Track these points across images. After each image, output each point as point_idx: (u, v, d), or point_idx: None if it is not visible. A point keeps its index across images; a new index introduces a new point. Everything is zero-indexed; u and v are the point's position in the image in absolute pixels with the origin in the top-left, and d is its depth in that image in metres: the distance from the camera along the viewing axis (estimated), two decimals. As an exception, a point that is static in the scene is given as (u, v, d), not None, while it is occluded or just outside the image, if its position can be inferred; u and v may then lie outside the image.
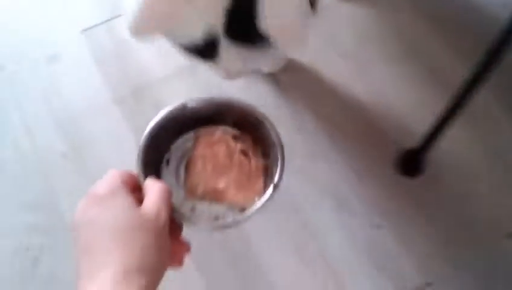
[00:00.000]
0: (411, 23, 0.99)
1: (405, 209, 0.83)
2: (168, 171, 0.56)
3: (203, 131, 0.57)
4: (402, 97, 0.92)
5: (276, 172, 0.53)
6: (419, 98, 0.92)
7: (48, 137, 0.89)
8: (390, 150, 0.86)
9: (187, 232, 0.49)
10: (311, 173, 0.85)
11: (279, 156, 0.53)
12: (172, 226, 0.44)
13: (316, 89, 0.93)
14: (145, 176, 0.48)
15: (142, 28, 0.42)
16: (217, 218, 0.53)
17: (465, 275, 0.78)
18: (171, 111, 0.54)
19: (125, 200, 0.41)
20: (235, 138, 0.56)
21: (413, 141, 0.83)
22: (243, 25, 0.38)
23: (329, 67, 0.95)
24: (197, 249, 0.72)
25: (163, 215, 0.41)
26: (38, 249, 0.80)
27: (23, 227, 0.82)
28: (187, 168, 0.57)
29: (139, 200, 0.43)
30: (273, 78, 0.94)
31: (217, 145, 0.56)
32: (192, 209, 0.54)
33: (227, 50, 0.41)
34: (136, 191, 0.45)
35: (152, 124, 0.54)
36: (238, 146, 0.56)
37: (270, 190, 0.52)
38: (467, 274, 0.78)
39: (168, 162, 0.57)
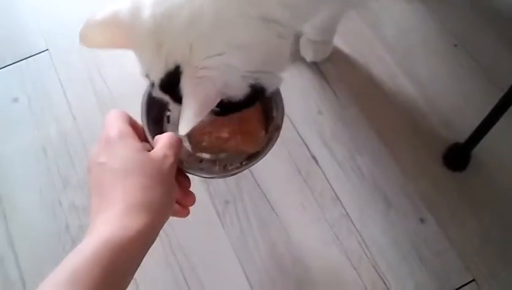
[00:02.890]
0: (460, 15, 0.98)
1: (450, 203, 0.81)
2: (170, 127, 0.57)
3: None
4: (448, 91, 0.91)
5: (276, 115, 0.54)
6: (466, 93, 0.90)
7: (92, 118, 0.89)
8: (436, 144, 0.85)
9: (198, 181, 0.51)
10: (356, 167, 0.84)
11: (276, 98, 0.54)
12: (180, 178, 0.47)
13: (361, 82, 0.92)
14: (152, 134, 0.49)
15: (88, 42, 0.48)
16: (225, 166, 0.54)
17: (510, 274, 0.75)
18: None
19: (133, 143, 0.43)
20: None
21: (458, 135, 0.83)
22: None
23: (374, 60, 0.94)
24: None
25: (169, 160, 0.43)
26: (77, 230, 0.80)
27: (65, 207, 0.82)
28: None
29: (148, 150, 0.44)
30: (319, 69, 0.93)
31: None
32: (200, 161, 0.55)
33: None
34: (144, 142, 0.46)
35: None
36: None
37: (275, 133, 0.53)
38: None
39: (168, 119, 0.57)
